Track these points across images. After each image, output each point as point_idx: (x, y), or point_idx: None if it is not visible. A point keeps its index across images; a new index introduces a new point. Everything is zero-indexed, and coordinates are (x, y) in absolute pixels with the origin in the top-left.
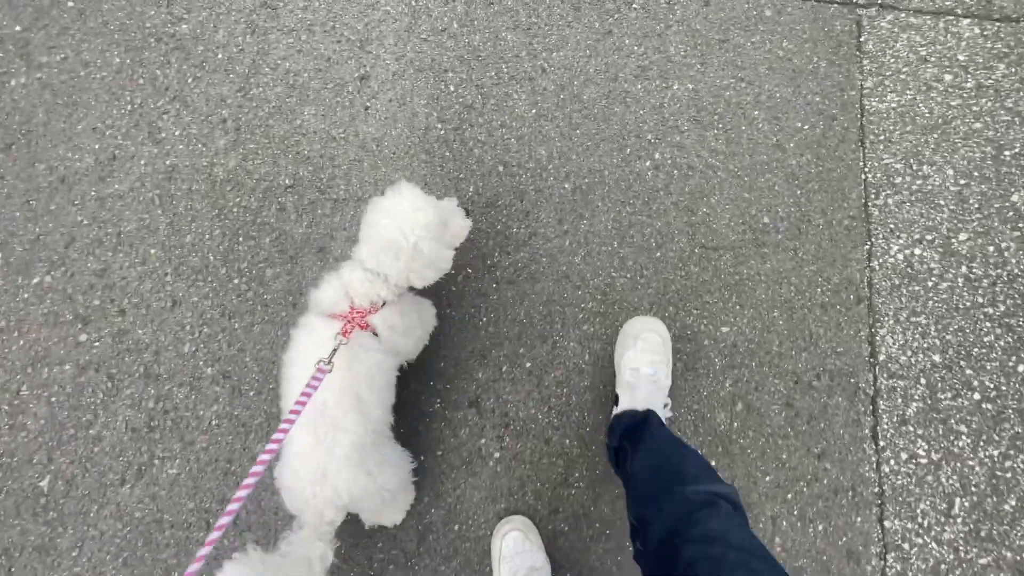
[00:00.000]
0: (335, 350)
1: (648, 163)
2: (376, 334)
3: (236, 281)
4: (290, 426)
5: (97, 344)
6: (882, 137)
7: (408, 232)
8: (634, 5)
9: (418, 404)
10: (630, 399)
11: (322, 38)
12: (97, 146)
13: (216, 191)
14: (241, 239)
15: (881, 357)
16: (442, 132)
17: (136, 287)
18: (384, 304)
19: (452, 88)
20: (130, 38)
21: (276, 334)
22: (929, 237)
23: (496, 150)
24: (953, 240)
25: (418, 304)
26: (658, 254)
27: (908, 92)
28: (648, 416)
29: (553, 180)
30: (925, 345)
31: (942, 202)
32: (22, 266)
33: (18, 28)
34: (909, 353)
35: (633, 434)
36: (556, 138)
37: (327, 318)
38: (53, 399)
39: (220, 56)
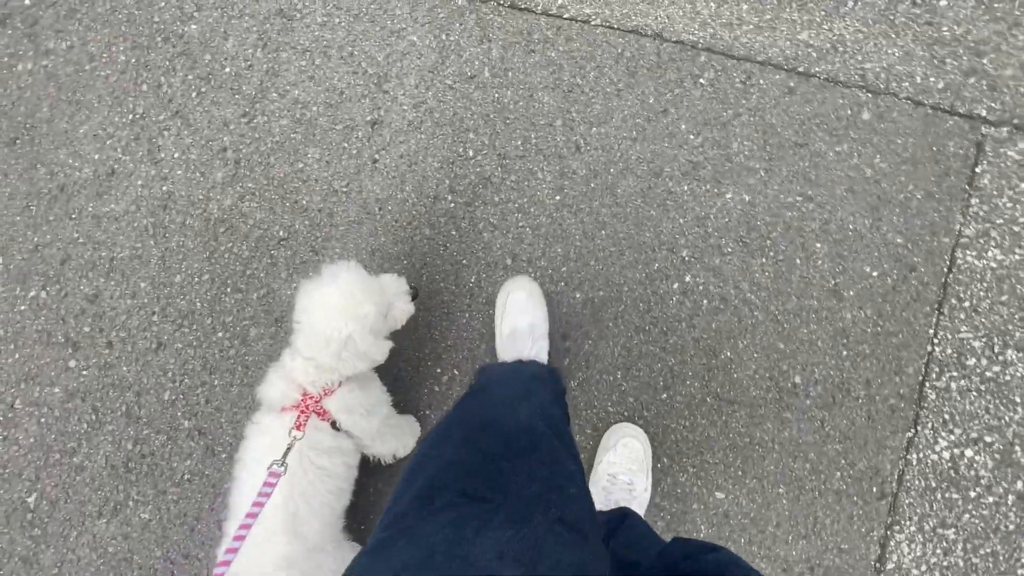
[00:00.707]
0: (288, 448)
1: (676, 285)
2: (335, 424)
3: (220, 335)
4: (246, 533)
5: (85, 373)
6: (966, 303)
7: (341, 326)
8: (702, 79)
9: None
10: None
11: (337, 65)
12: (97, 156)
13: (209, 231)
14: (229, 290)
15: (889, 566)
16: (452, 205)
17: (124, 321)
18: (340, 384)
19: (471, 153)
20: (137, 32)
21: (252, 400)
22: (989, 439)
23: (507, 238)
24: (1018, 448)
25: (376, 381)
26: (664, 395)
27: (1017, 252)
28: (626, 514)
29: (564, 286)
30: (944, 564)
31: (1018, 399)
32: (20, 276)
33: (27, 2)
34: (923, 569)
35: (611, 526)
36: (577, 236)
37: (279, 413)
38: (42, 419)
39: (227, 70)
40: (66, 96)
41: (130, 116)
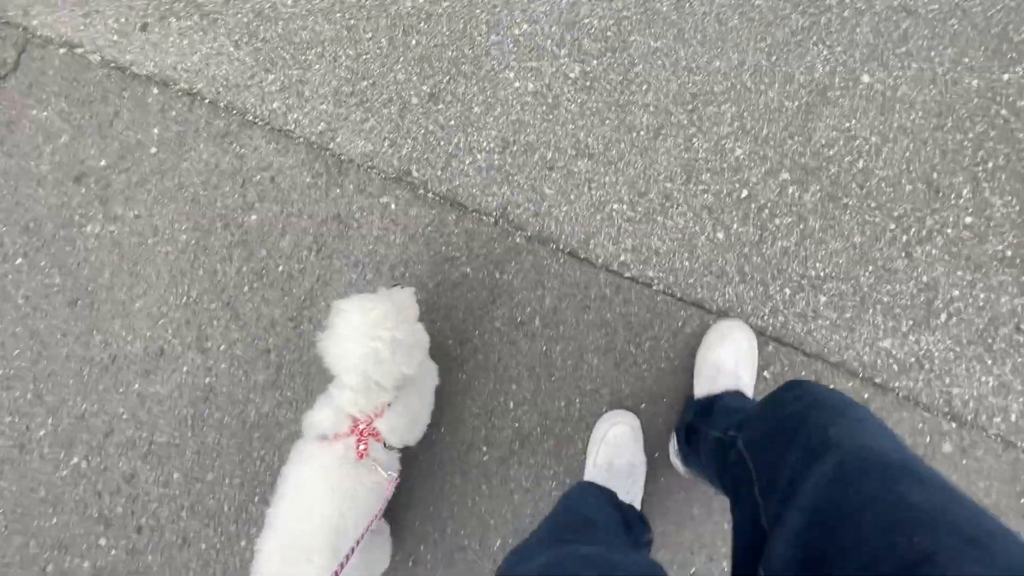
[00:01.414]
0: (378, 467)
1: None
2: (385, 443)
3: (243, 544)
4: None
5: (113, 553)
6: None
7: (373, 336)
8: (766, 372)
9: None
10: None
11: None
12: (149, 333)
13: (244, 434)
14: (256, 500)
15: None
16: (486, 458)
17: (155, 509)
18: (388, 404)
19: (511, 405)
20: (200, 214)
21: None
22: None
23: (539, 504)
24: None
25: (418, 383)
26: None
27: None
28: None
29: None
30: None
31: None
32: (66, 440)
33: (103, 163)
34: None
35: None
36: None
37: (325, 442)
38: None
39: (280, 269)
40: (127, 266)
41: (184, 298)
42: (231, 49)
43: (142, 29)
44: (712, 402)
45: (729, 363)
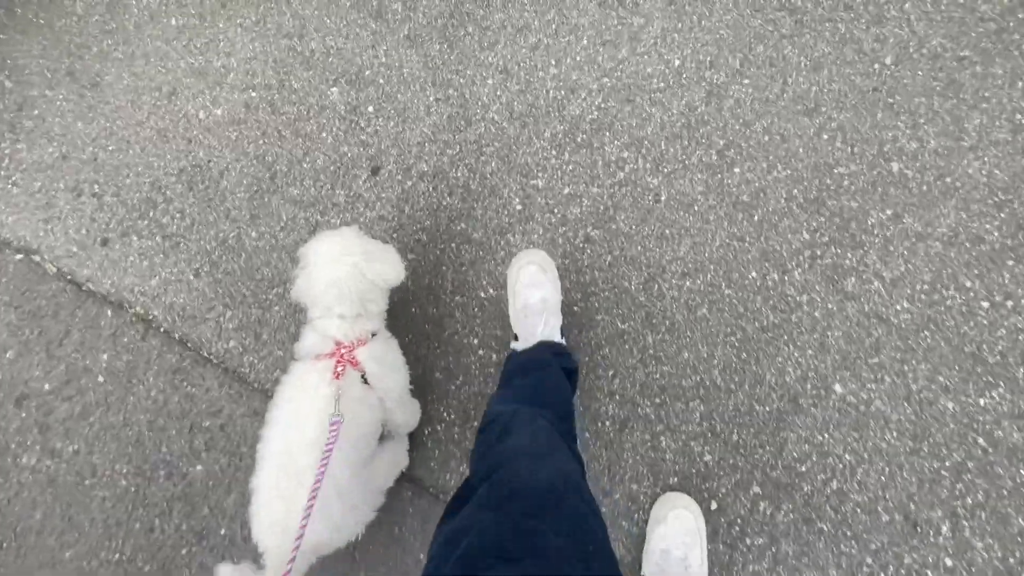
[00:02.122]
0: (337, 399)
1: None
2: (364, 376)
3: None
4: (319, 485)
5: None
6: None
7: (348, 255)
8: None
9: None
10: None
11: None
12: None
13: None
14: None
15: None
16: None
17: None
18: (372, 336)
19: None
20: (143, 457)
21: None
22: None
23: None
24: None
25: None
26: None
27: None
28: None
29: None
30: None
31: None
32: None
33: (47, 387)
34: None
35: None
36: None
37: (313, 361)
38: None
39: (223, 532)
40: (61, 508)
41: (117, 555)
42: (191, 277)
43: (102, 244)
44: None
45: (676, 548)
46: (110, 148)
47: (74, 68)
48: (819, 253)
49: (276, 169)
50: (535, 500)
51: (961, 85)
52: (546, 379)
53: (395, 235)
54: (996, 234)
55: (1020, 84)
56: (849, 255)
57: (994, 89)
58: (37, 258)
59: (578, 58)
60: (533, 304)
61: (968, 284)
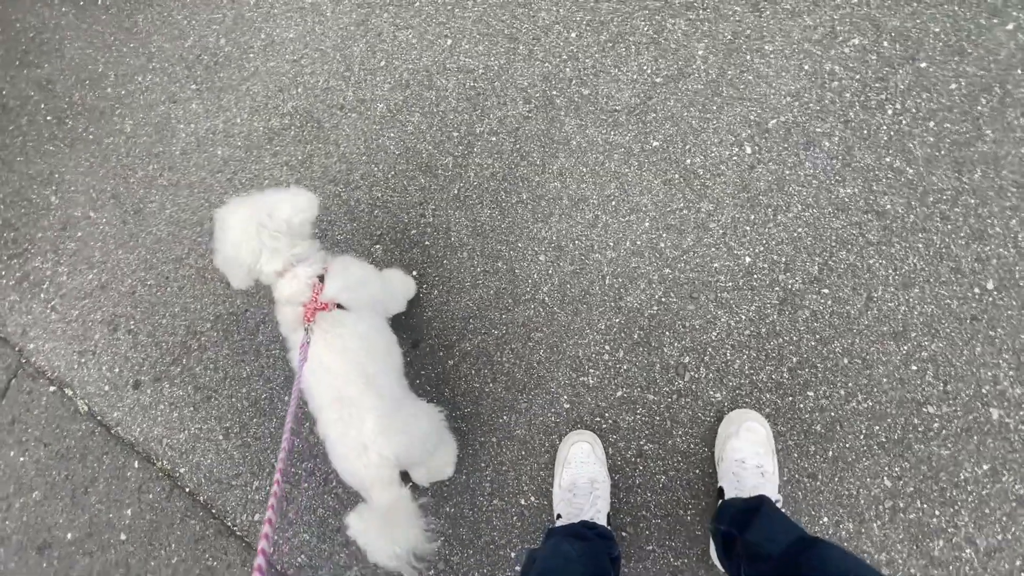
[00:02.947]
0: (307, 329)
1: None
2: (340, 306)
3: None
4: (285, 454)
5: None
6: None
7: (254, 215)
8: None
9: None
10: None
11: None
12: None
13: None
14: None
15: None
16: None
17: None
18: (322, 280)
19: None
20: None
21: None
22: None
23: None
24: None
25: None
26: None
27: None
28: (762, 502)
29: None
30: None
31: None
32: None
33: (70, 536)
34: None
35: (744, 518)
36: None
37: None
38: None
39: None
40: None
41: None
42: (220, 437)
43: (134, 386)
44: (748, 517)
45: (750, 458)
46: (149, 283)
47: (119, 191)
48: (902, 505)
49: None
50: None
51: None
52: (589, 548)
53: None
54: None
55: None
56: (937, 512)
57: None
58: (70, 392)
59: (639, 242)
60: (582, 484)
61: None
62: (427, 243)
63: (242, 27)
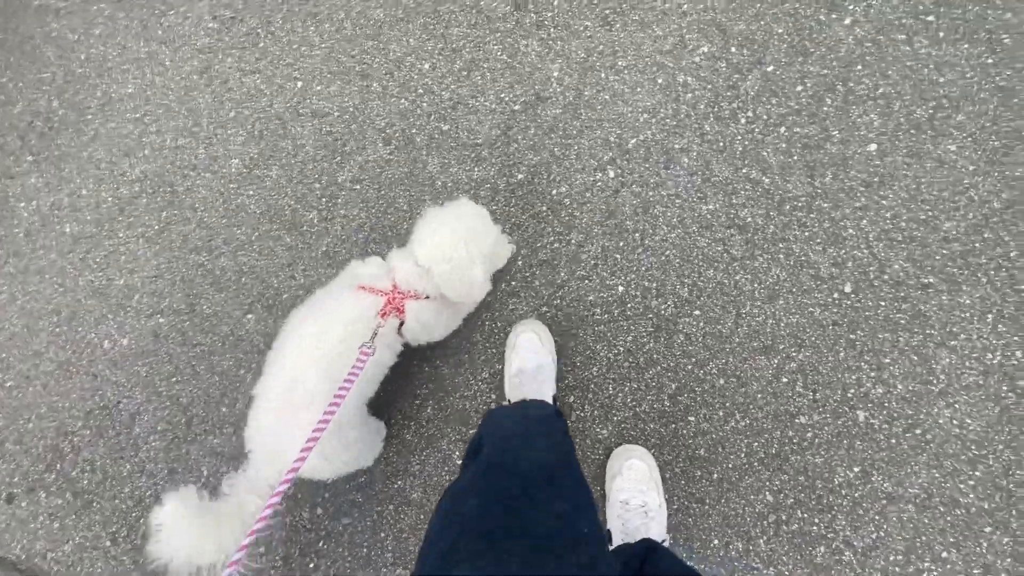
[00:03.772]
0: (375, 333)
1: None
2: (401, 327)
3: None
4: (336, 409)
5: None
6: None
7: (462, 250)
8: None
9: None
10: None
11: None
12: None
13: None
14: None
15: None
16: None
17: None
18: (427, 298)
19: None
20: None
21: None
22: None
23: None
24: None
25: (452, 311)
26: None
27: None
28: (647, 550)
29: None
30: None
31: None
32: None
33: None
34: None
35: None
36: None
37: (357, 291)
38: None
39: None
40: None
41: None
42: (107, 544)
43: (7, 501)
44: (636, 565)
45: (633, 497)
46: (8, 384)
47: None
48: (784, 517)
49: (192, 413)
50: (525, 478)
51: (927, 318)
52: (545, 411)
53: (327, 494)
54: (972, 495)
55: (990, 317)
56: (816, 520)
57: (962, 323)
58: None
59: (513, 282)
60: (529, 369)
61: (945, 555)
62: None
63: (75, 85)
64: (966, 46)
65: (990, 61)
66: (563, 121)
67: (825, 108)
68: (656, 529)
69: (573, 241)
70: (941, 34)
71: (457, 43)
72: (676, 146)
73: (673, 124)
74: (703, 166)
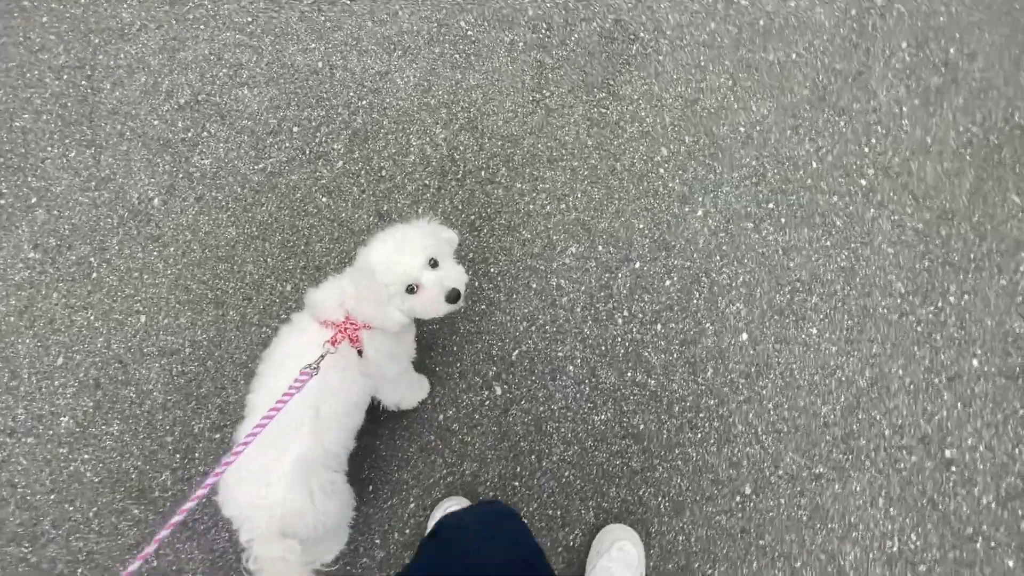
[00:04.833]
0: (322, 356)
1: None
2: (361, 352)
3: None
4: (261, 430)
5: None
6: None
7: (400, 276)
8: None
9: None
10: None
11: None
12: None
13: None
14: None
15: None
16: None
17: None
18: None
19: None
20: None
21: None
22: None
23: None
24: None
25: (410, 336)
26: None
27: None
28: None
29: None
30: None
31: None
32: None
33: None
34: None
35: None
36: None
37: (319, 323)
38: None
39: None
40: None
41: None
42: None
43: None
44: None
45: None
46: None
47: None
48: None
49: None
50: None
51: (826, 511)
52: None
53: None
54: None
55: (880, 502)
56: None
57: (858, 511)
58: None
59: (411, 521)
60: None
61: None
62: None
63: None
64: (806, 230)
65: (828, 243)
66: (441, 336)
67: (695, 301)
68: None
69: (467, 471)
70: (783, 220)
71: (320, 259)
72: (559, 354)
73: (553, 330)
74: (589, 373)
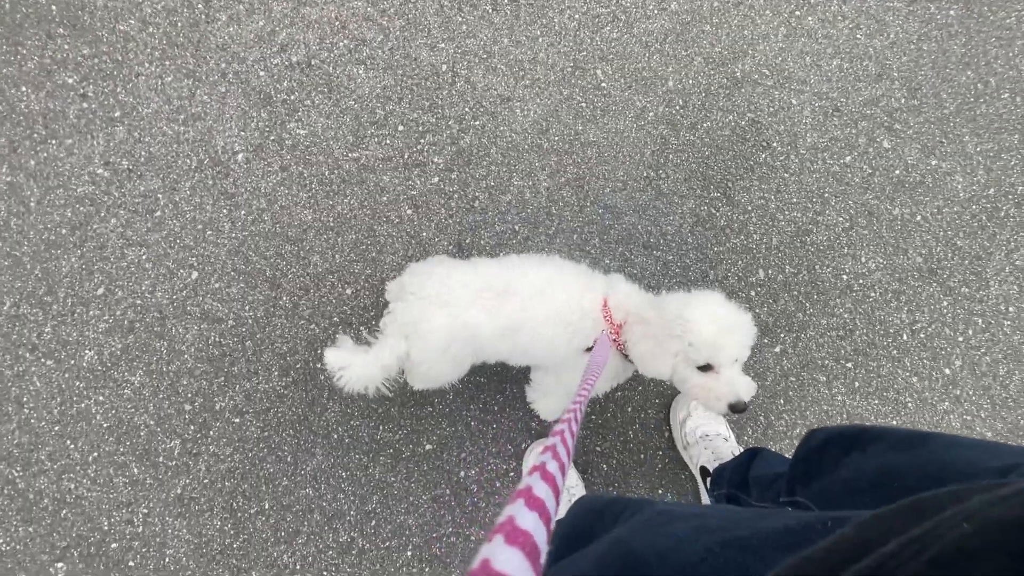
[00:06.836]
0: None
1: None
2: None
3: None
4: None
5: None
6: None
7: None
8: None
9: None
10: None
11: None
12: None
13: None
14: None
15: None
16: None
17: None
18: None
19: None
20: None
21: None
22: None
23: None
24: None
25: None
26: None
27: None
28: (755, 452)
29: None
30: None
31: None
32: None
33: None
34: None
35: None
36: None
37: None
38: None
39: None
40: None
41: None
42: None
43: None
44: (743, 478)
45: (711, 428)
46: None
47: None
48: None
49: None
50: None
51: None
52: None
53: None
54: None
55: None
56: None
57: None
58: None
59: (401, 561)
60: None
61: None
62: (130, 564)
63: None
64: (876, 401)
65: (895, 422)
66: (485, 392)
67: (745, 439)
68: (734, 447)
69: (473, 537)
70: (856, 384)
71: (388, 272)
72: (598, 448)
73: (599, 423)
74: (623, 477)
